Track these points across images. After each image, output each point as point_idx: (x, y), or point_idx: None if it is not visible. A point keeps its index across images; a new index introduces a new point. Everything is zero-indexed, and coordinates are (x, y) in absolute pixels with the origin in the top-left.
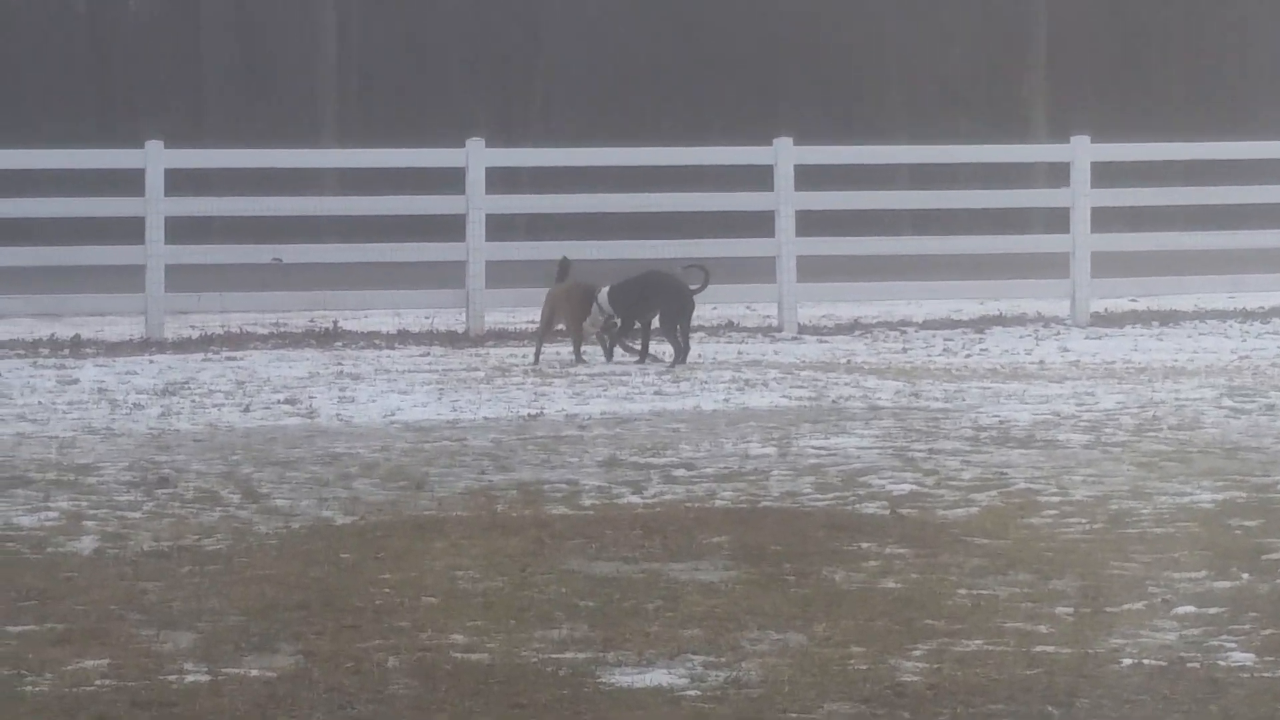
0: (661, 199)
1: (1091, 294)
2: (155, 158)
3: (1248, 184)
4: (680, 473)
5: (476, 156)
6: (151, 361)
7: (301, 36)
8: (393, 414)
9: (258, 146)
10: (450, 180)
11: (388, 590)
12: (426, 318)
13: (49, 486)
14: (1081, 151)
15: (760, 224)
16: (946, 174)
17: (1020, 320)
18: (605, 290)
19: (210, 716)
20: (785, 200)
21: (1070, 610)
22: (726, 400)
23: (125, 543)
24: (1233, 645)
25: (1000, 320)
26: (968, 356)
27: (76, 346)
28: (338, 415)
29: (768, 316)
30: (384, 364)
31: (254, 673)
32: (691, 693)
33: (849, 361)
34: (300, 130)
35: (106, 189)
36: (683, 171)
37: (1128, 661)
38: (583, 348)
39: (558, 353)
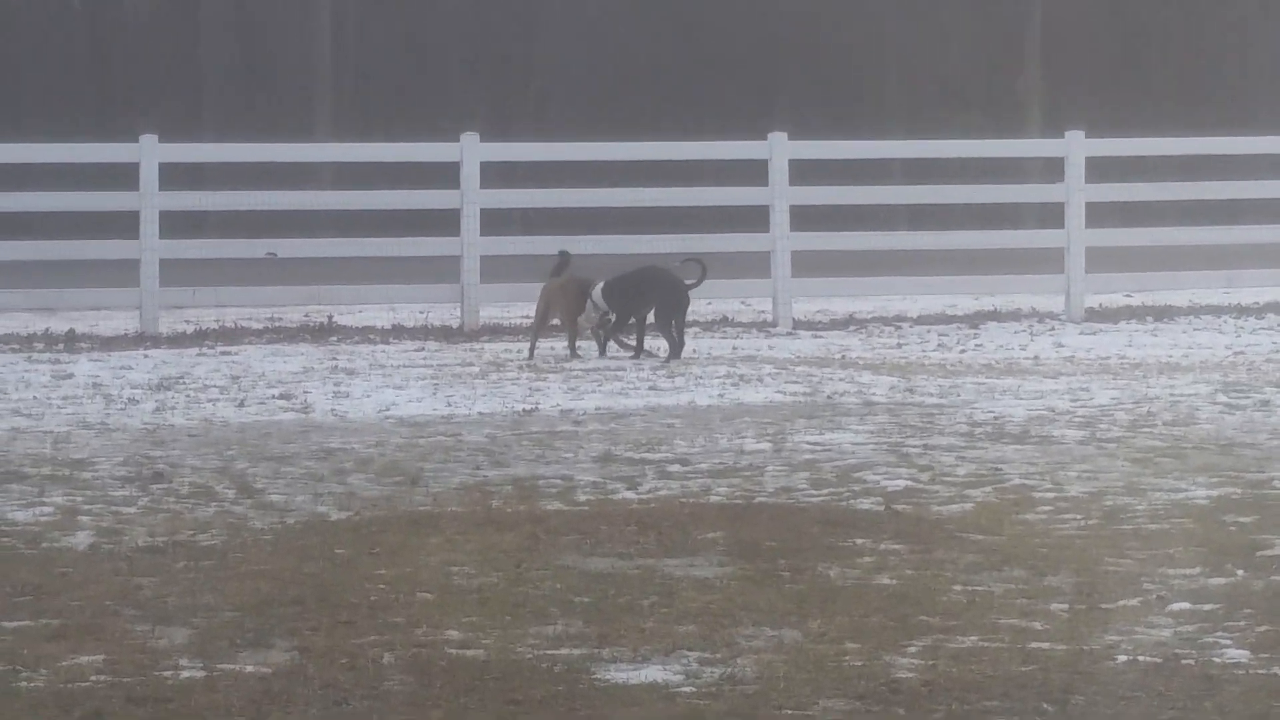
0: (656, 194)
1: (1086, 289)
2: (150, 152)
3: (1243, 179)
4: (675, 468)
5: (471, 151)
6: (146, 356)
7: (298, 33)
8: (387, 409)
9: (251, 140)
10: (446, 175)
11: (383, 586)
12: (421, 312)
13: (44, 481)
14: (1076, 146)
15: (755, 219)
16: (941, 169)
17: (1015, 315)
18: (599, 287)
19: (205, 712)
20: (780, 195)
21: (1065, 607)
22: (721, 396)
23: (120, 538)
24: (1227, 642)
25: (995, 315)
26: (962, 352)
27: (71, 341)
28: (332, 410)
29: (762, 312)
30: (379, 359)
31: (249, 668)
32: (686, 689)
33: (844, 357)
34: (298, 126)
35: (104, 184)
36: (678, 167)
37: (1122, 658)
38: (577, 343)
39: (552, 348)
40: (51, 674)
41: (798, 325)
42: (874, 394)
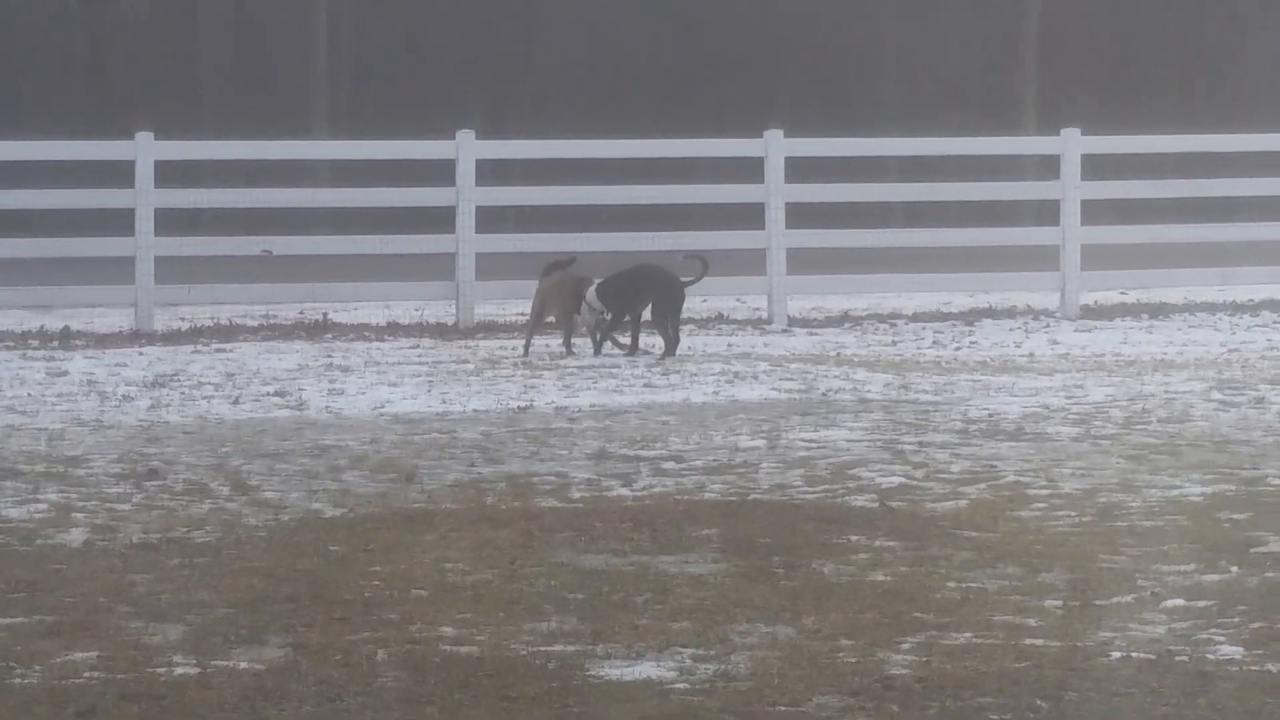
0: (651, 191)
1: (1081, 286)
2: (145, 149)
3: (1238, 176)
4: (669, 465)
5: (467, 149)
6: (141, 353)
7: (296, 32)
8: (382, 406)
9: (249, 139)
10: (442, 173)
11: (377, 583)
12: (416, 310)
13: (38, 478)
14: (1072, 144)
15: (750, 216)
16: (937, 166)
17: (1010, 313)
18: (593, 287)
19: (199, 709)
20: (775, 192)
21: (1059, 603)
22: (716, 393)
23: (114, 535)
24: (1221, 638)
25: (990, 313)
26: (957, 349)
27: (66, 338)
28: (327, 407)
29: (757, 309)
30: (374, 356)
31: (243, 665)
32: (680, 685)
33: (839, 354)
34: (295, 125)
35: (101, 181)
36: (674, 165)
37: (1116, 654)
38: (572, 340)
39: (547, 345)
40: (45, 670)
41: (793, 322)
42: (869, 391)
